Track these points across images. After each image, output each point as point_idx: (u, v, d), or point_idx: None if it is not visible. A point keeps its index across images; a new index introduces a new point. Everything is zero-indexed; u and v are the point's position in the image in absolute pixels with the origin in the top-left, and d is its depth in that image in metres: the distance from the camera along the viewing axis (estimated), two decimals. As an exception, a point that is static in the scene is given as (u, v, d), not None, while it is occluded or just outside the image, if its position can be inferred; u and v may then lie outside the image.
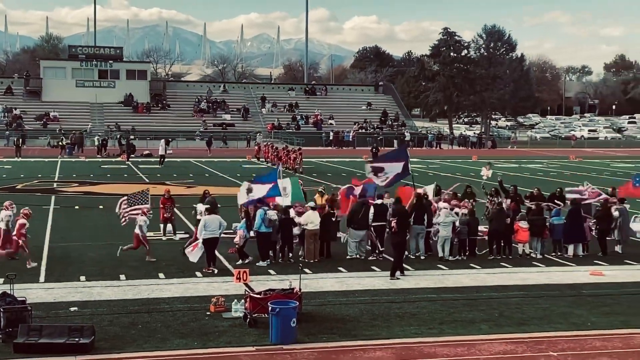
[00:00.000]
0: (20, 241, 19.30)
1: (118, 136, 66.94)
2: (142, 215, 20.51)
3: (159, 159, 52.40)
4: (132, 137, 65.93)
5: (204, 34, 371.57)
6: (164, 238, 23.28)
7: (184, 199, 29.70)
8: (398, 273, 18.63)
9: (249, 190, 21.37)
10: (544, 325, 14.77)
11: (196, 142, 75.16)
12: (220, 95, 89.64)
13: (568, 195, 24.88)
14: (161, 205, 23.49)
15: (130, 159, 55.47)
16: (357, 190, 23.30)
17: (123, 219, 21.70)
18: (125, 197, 21.99)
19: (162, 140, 55.56)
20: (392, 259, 19.27)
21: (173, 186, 31.76)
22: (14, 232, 19.47)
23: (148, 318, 14.75)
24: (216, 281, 17.93)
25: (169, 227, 23.61)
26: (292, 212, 21.08)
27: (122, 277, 18.20)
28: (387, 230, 20.99)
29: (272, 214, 20.10)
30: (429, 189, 22.52)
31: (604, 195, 24.79)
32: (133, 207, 21.30)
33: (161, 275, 18.47)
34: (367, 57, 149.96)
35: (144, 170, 47.74)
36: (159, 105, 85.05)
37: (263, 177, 23.50)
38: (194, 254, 18.77)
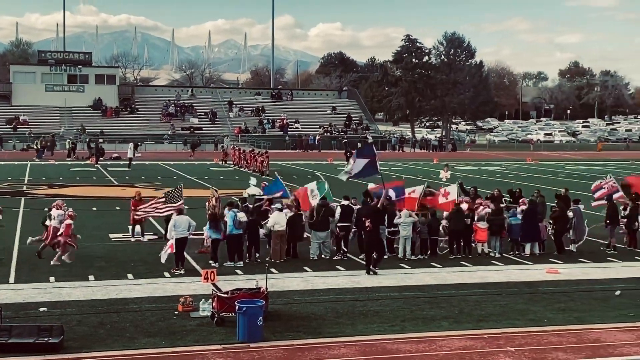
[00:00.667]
0: (62, 239, 19.62)
1: (87, 140, 66.68)
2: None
3: (127, 162, 52.55)
4: (100, 140, 65.85)
5: (172, 40, 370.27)
6: (132, 239, 23.41)
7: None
8: (365, 272, 18.99)
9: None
10: (502, 321, 15.06)
11: (164, 145, 75.36)
12: (188, 99, 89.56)
13: (596, 195, 25.43)
14: (132, 208, 23.33)
15: (99, 162, 55.42)
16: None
17: (147, 214, 21.86)
18: (163, 196, 21.96)
19: (131, 144, 55.86)
20: (365, 258, 19.70)
21: (142, 189, 31.84)
22: (61, 232, 19.72)
23: (116, 318, 14.80)
24: (184, 281, 18.03)
25: (137, 228, 23.74)
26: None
27: (91, 277, 18.26)
28: (353, 230, 21.44)
29: (242, 216, 20.30)
30: (452, 189, 22.80)
31: (620, 193, 25.20)
32: (168, 205, 21.19)
33: (130, 275, 18.55)
34: (331, 62, 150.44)
35: (113, 173, 47.73)
36: (128, 109, 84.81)
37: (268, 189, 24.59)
38: (164, 254, 18.90)
